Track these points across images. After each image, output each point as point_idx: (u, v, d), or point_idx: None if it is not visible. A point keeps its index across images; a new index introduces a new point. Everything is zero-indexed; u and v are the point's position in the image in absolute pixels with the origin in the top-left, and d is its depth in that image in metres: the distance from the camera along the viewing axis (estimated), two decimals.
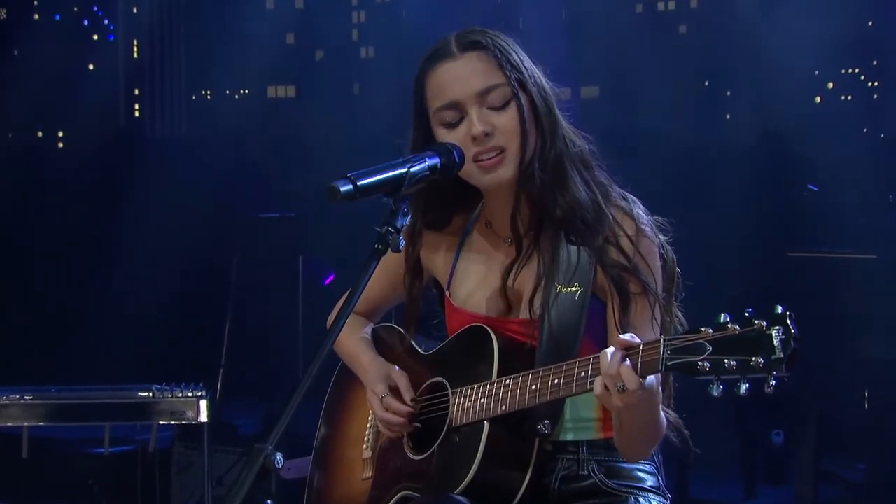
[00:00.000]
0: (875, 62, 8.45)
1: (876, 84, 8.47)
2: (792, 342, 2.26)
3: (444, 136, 2.78)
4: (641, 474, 2.86)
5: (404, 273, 3.03)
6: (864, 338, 6.01)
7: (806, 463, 6.12)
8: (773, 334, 2.27)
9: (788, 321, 2.28)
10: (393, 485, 2.94)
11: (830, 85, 8.68)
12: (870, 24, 8.24)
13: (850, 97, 8.71)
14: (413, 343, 3.07)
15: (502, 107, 2.75)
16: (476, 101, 2.75)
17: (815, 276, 6.12)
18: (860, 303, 5.96)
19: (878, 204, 6.69)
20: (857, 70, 8.65)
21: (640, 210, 2.82)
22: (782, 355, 2.26)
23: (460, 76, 2.76)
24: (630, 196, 2.85)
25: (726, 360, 2.30)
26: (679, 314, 2.82)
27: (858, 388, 6.03)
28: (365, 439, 3.11)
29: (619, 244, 2.76)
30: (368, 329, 3.20)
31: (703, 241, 6.06)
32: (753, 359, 2.27)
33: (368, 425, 3.12)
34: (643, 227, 2.78)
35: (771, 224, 6.75)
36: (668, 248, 2.83)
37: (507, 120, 2.75)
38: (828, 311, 5.88)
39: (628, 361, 2.43)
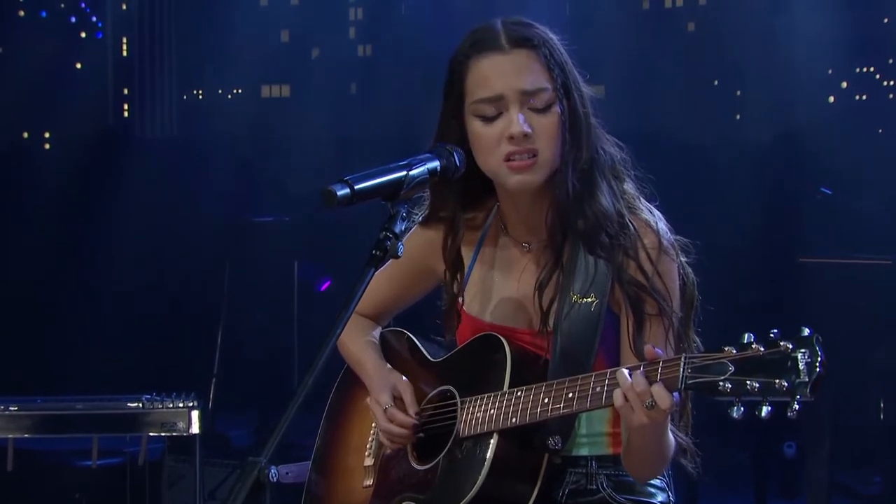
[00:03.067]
0: (890, 60, 8.57)
1: (891, 83, 8.58)
2: (818, 367, 2.26)
3: (478, 128, 2.74)
4: (651, 489, 2.83)
5: (444, 270, 2.96)
6: (879, 346, 6.04)
7: (819, 476, 6.09)
8: (799, 357, 2.26)
9: (815, 344, 2.27)
10: (395, 494, 2.91)
11: (844, 84, 8.77)
12: (885, 20, 8.29)
13: (864, 97, 8.82)
14: (422, 348, 3.04)
15: (544, 110, 2.72)
16: (519, 100, 2.71)
17: (827, 283, 6.11)
18: (874, 310, 5.98)
19: (892, 207, 6.73)
20: (871, 69, 8.76)
21: (664, 226, 2.80)
22: (807, 379, 2.25)
23: (508, 71, 2.72)
24: (656, 212, 2.83)
25: (749, 382, 2.29)
26: (696, 339, 2.78)
27: (873, 397, 6.08)
28: (367, 446, 3.07)
29: (638, 259, 2.73)
30: (376, 332, 3.15)
31: (711, 245, 5.98)
32: (777, 381, 2.27)
33: (371, 432, 3.07)
34: (664, 242, 2.76)
35: (782, 228, 6.78)
36: (689, 270, 2.80)
37: (546, 124, 2.72)
38: (841, 319, 5.86)
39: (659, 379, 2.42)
